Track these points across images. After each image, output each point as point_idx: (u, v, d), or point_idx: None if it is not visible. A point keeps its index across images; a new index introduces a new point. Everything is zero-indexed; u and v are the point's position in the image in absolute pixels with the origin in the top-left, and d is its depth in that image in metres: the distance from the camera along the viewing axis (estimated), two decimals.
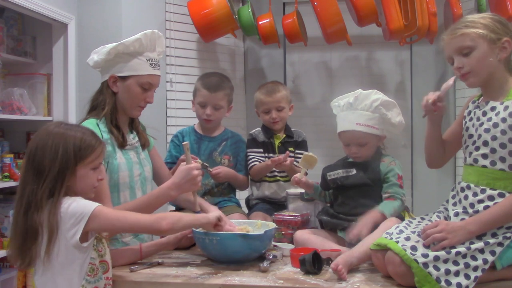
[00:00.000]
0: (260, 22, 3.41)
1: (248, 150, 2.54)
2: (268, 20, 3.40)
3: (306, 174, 2.19)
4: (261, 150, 2.53)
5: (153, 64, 2.02)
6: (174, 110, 3.38)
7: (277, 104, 2.51)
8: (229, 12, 3.23)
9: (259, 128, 2.59)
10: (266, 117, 2.53)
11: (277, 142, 2.54)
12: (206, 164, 2.30)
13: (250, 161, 2.50)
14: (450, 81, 1.77)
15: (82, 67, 3.20)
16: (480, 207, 1.65)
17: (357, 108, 2.01)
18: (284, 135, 2.55)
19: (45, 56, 3.29)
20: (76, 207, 1.48)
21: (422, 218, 1.84)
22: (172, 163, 2.41)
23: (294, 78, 3.95)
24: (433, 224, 1.63)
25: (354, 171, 2.02)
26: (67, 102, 3.19)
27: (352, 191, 2.01)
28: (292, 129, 2.59)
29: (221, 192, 2.48)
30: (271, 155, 2.50)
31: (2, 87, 3.13)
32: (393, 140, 2.16)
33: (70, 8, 3.19)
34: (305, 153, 2.26)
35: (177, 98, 3.38)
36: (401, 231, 1.68)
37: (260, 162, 2.48)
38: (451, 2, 3.19)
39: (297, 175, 2.13)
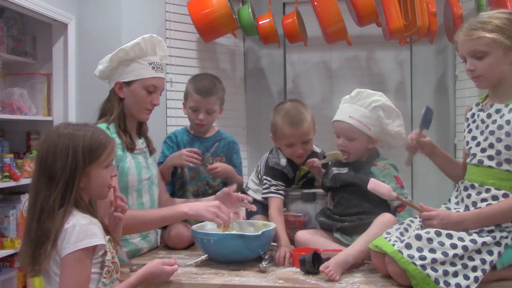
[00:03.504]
0: (260, 22, 3.41)
1: (270, 179, 2.19)
2: (268, 20, 3.40)
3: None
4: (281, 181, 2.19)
5: (155, 68, 2.05)
6: (174, 110, 3.38)
7: (304, 138, 2.13)
8: (229, 12, 3.23)
9: (284, 159, 2.20)
10: (288, 150, 2.16)
11: (298, 176, 2.27)
12: (202, 156, 2.31)
13: (273, 190, 2.16)
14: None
15: (82, 67, 3.21)
16: (482, 205, 1.65)
17: (356, 103, 2.02)
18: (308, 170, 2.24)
19: (45, 56, 3.29)
20: (78, 235, 1.43)
21: None
22: None
23: (294, 78, 3.94)
24: (432, 215, 1.63)
25: (346, 170, 2.03)
26: (67, 102, 3.19)
27: (346, 192, 2.01)
28: (313, 149, 2.25)
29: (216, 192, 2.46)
30: (291, 187, 2.25)
31: (2, 87, 3.13)
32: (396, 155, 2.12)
33: (70, 8, 3.18)
34: (329, 154, 2.13)
35: (177, 98, 3.36)
36: (401, 234, 1.67)
37: (281, 195, 2.16)
38: (451, 2, 3.19)
39: (317, 160, 2.15)
